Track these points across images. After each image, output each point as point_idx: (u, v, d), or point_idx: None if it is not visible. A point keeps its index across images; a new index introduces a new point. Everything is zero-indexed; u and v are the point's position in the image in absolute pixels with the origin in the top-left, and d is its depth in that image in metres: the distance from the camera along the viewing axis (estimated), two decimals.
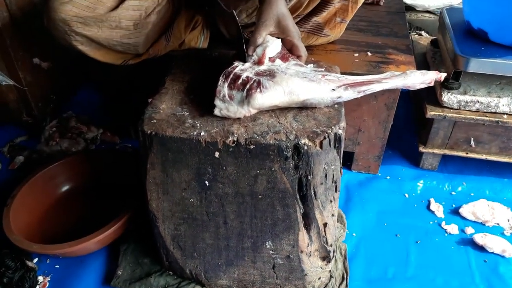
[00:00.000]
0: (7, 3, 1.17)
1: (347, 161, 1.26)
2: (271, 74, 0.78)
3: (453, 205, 1.14)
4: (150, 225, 0.88)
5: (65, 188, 1.13)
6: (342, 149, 0.79)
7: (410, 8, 1.87)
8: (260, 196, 0.79)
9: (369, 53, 1.10)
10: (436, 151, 1.20)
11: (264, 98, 0.75)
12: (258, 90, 0.75)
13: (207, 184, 0.78)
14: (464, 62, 1.05)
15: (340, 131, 0.75)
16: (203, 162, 0.75)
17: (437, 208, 1.13)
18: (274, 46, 0.85)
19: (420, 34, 1.74)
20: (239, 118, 0.77)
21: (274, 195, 0.78)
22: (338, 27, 1.10)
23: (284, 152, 0.73)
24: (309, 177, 0.76)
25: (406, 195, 1.18)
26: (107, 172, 1.13)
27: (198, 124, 0.76)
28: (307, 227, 0.84)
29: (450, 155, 1.20)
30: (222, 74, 0.80)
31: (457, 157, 1.20)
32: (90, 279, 0.97)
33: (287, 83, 0.75)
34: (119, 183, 1.10)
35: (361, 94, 0.79)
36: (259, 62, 0.82)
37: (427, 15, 1.85)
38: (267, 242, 0.86)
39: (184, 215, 0.84)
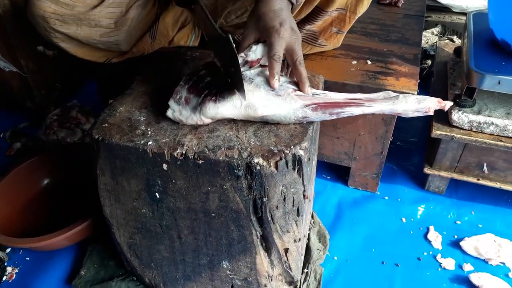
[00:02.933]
0: None
1: (345, 175, 1.16)
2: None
3: (455, 236, 1.02)
4: (108, 230, 0.85)
5: (46, 181, 1.12)
6: (306, 171, 0.71)
7: (446, 9, 1.70)
8: (213, 214, 0.73)
9: (369, 62, 0.99)
10: (442, 174, 1.07)
11: (218, 108, 0.68)
12: (213, 98, 0.68)
13: (158, 196, 0.73)
14: (478, 78, 0.92)
15: (301, 152, 0.67)
16: (152, 173, 0.70)
17: (435, 238, 1.01)
18: (258, 50, 0.77)
19: (452, 40, 1.58)
20: (196, 128, 0.71)
21: (228, 215, 0.72)
22: (334, 38, 1.00)
23: (235, 171, 0.66)
24: (264, 199, 0.69)
25: (404, 219, 1.07)
26: (90, 167, 1.11)
27: (149, 132, 0.70)
28: (268, 250, 0.77)
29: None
30: (186, 75, 0.74)
31: (469, 182, 1.07)
32: (55, 276, 0.96)
33: (247, 95, 0.68)
34: None
35: (335, 117, 0.70)
36: (251, 64, 0.74)
37: (464, 17, 1.67)
38: (223, 262, 0.80)
39: (138, 224, 0.79)
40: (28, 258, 1.00)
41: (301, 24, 0.97)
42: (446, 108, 0.69)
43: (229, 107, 0.68)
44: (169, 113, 0.71)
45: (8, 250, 1.01)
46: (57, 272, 0.97)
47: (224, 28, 1.03)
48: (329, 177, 1.19)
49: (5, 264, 0.97)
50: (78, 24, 0.88)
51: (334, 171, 1.19)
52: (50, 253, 1.00)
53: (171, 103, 0.71)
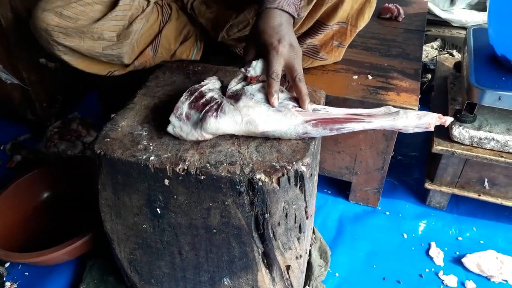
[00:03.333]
0: (11, 2, 1.18)
1: (346, 190, 1.16)
2: (236, 98, 0.71)
3: (457, 253, 1.01)
4: (108, 246, 0.84)
5: (46, 194, 1.12)
6: (308, 187, 0.70)
7: (445, 23, 1.71)
8: (214, 230, 0.72)
9: (369, 76, 1.00)
10: (443, 189, 1.07)
11: (219, 124, 0.68)
12: (214, 114, 0.68)
13: (159, 212, 0.73)
14: (478, 93, 0.93)
15: (303, 168, 0.67)
16: (153, 189, 0.70)
17: (437, 254, 1.00)
18: (258, 66, 0.77)
19: (452, 54, 1.59)
20: (198, 143, 0.71)
21: (229, 231, 0.71)
22: (335, 51, 1.00)
23: (237, 187, 0.66)
24: (266, 215, 0.68)
25: (405, 235, 1.06)
26: (89, 181, 1.10)
27: (151, 147, 0.70)
28: (269, 267, 0.76)
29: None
30: (187, 90, 0.74)
31: (470, 197, 1.07)
32: None
33: (248, 111, 0.68)
34: None
35: (335, 133, 0.70)
36: (250, 80, 0.74)
37: (464, 31, 1.68)
38: (224, 279, 0.79)
39: (139, 240, 0.79)
40: (27, 273, 0.99)
41: (302, 38, 0.97)
42: (447, 124, 0.69)
43: (230, 123, 0.68)
44: (169, 128, 0.71)
45: (7, 264, 1.00)
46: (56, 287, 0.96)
47: (226, 41, 1.04)
48: (330, 192, 1.18)
49: (4, 279, 0.96)
50: (81, 37, 0.88)
51: (335, 185, 1.19)
52: (49, 268, 0.99)
53: (172, 118, 0.71)
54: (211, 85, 0.76)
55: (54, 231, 1.05)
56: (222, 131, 0.69)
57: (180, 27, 1.02)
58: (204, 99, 0.72)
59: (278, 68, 0.69)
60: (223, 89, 0.76)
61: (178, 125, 0.70)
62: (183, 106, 0.71)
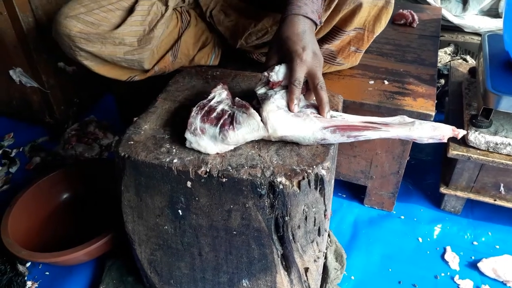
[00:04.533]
0: (33, 8, 1.21)
1: (361, 194, 1.16)
2: (246, 107, 0.72)
3: (472, 257, 1.01)
4: (129, 246, 0.86)
5: (65, 196, 1.14)
6: (328, 191, 0.72)
7: (458, 29, 1.72)
8: (234, 232, 0.73)
9: (386, 82, 1.01)
10: (459, 194, 1.07)
11: (238, 136, 0.69)
12: (231, 126, 0.69)
13: (181, 214, 0.74)
14: (494, 99, 0.93)
15: (323, 172, 0.68)
16: (176, 191, 0.72)
17: (453, 258, 1.01)
18: (281, 71, 0.78)
19: (465, 60, 1.59)
20: None
21: (249, 233, 0.73)
22: (352, 56, 1.02)
23: (258, 189, 0.67)
24: (286, 218, 0.70)
25: (420, 239, 1.07)
26: (108, 182, 1.12)
27: (174, 150, 0.72)
28: (288, 269, 0.77)
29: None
30: (196, 106, 0.74)
31: (486, 202, 1.07)
32: None
33: (268, 115, 0.69)
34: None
35: (352, 140, 0.71)
36: (272, 85, 0.75)
37: (476, 37, 1.69)
38: (243, 280, 0.80)
39: (159, 241, 0.80)
40: (47, 273, 1.01)
41: (319, 43, 0.98)
42: (459, 137, 0.70)
43: (248, 131, 0.69)
44: (187, 144, 0.71)
45: (28, 264, 1.02)
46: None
47: (244, 48, 1.05)
48: (344, 196, 1.19)
49: (25, 278, 0.98)
50: (103, 43, 0.90)
51: (350, 189, 1.20)
52: (69, 268, 1.01)
53: (188, 135, 0.70)
54: (218, 97, 0.76)
55: (73, 232, 1.07)
56: (244, 139, 0.70)
57: (199, 34, 1.04)
58: (215, 113, 0.72)
59: (301, 75, 0.70)
60: (235, 94, 0.78)
61: (194, 140, 0.70)
62: (196, 121, 0.71)
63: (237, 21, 1.01)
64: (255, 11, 1.01)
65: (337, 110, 0.82)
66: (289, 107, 0.71)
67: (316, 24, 0.76)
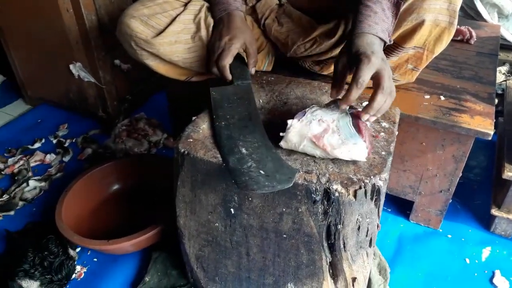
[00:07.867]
0: (97, 7, 1.27)
1: (406, 209, 1.14)
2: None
3: None
4: (178, 240, 0.88)
5: (115, 187, 1.19)
6: (382, 202, 0.71)
7: None
8: (284, 235, 0.74)
9: (442, 97, 0.99)
10: (511, 217, 1.03)
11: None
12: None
13: (233, 212, 0.76)
14: None
15: (380, 183, 0.68)
16: (230, 189, 0.73)
17: (503, 283, 0.97)
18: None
19: None
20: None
21: (299, 238, 0.73)
22: (409, 74, 1.00)
23: (313, 195, 0.68)
24: (339, 226, 0.70)
25: (467, 260, 1.03)
26: (158, 177, 1.16)
27: None
28: (335, 278, 0.77)
29: None
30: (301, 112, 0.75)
31: None
32: (120, 279, 1.00)
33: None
34: (168, 189, 1.12)
35: None
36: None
37: None
38: (289, 284, 0.80)
39: (209, 237, 0.82)
40: (95, 259, 1.05)
41: None
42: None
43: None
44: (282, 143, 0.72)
45: (78, 249, 1.06)
46: (122, 276, 1.01)
47: (294, 57, 1.06)
48: (390, 210, 1.17)
49: (75, 262, 1.03)
50: (160, 43, 0.94)
51: (396, 203, 1.18)
52: (114, 257, 1.05)
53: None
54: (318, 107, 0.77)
55: (119, 223, 1.10)
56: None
57: (255, 39, 1.06)
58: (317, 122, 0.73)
59: (366, 76, 0.70)
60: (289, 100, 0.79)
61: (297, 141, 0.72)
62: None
63: (288, 32, 1.02)
64: (309, 21, 1.02)
65: (394, 123, 0.82)
66: (339, 104, 0.73)
67: (384, 42, 0.77)
